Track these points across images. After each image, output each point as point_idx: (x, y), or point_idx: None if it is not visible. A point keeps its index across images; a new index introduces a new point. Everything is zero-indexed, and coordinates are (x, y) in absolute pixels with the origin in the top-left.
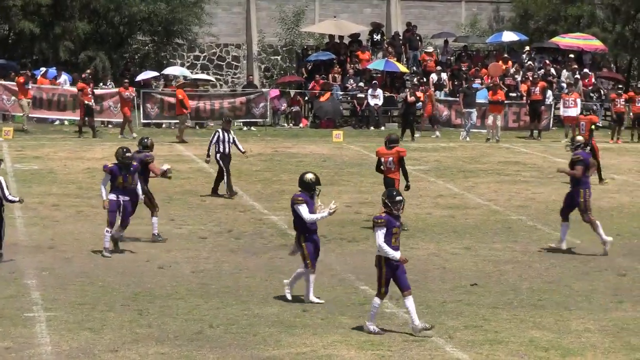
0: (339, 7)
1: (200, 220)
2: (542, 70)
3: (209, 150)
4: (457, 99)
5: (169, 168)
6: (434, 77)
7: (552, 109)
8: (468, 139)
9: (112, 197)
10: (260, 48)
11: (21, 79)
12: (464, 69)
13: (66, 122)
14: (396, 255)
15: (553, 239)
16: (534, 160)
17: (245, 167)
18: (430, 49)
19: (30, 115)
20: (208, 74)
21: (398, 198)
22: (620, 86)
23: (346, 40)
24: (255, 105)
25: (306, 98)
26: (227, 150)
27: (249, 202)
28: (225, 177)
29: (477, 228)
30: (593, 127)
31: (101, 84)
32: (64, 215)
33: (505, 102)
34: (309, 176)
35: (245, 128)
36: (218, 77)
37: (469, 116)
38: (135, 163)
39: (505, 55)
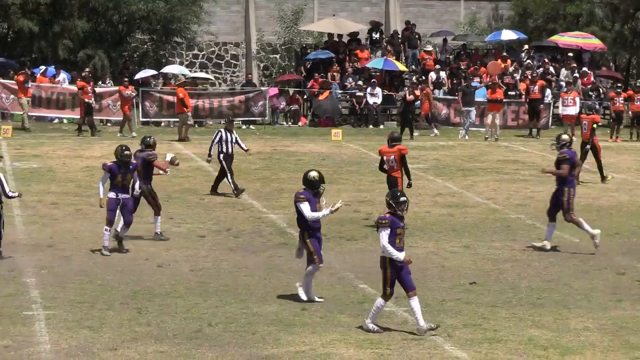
0: (338, 6)
1: (199, 218)
2: (541, 69)
3: (210, 149)
4: (456, 97)
5: (174, 156)
6: (432, 75)
7: (551, 108)
8: (467, 137)
9: (112, 195)
10: (259, 46)
11: (21, 78)
12: (462, 67)
13: (65, 121)
14: (400, 256)
15: (553, 238)
16: (533, 158)
17: (244, 165)
18: (429, 48)
19: (29, 113)
20: (207, 72)
21: (402, 199)
22: (619, 85)
23: (345, 39)
24: (254, 104)
25: (305, 96)
26: (230, 150)
27: (248, 200)
28: (228, 178)
29: (476, 226)
30: (595, 126)
31: (100, 82)
32: (63, 213)
33: (504, 100)
34: (313, 174)
35: (244, 126)
36: (217, 75)
37: (467, 115)
38: (134, 161)
39: (504, 54)
